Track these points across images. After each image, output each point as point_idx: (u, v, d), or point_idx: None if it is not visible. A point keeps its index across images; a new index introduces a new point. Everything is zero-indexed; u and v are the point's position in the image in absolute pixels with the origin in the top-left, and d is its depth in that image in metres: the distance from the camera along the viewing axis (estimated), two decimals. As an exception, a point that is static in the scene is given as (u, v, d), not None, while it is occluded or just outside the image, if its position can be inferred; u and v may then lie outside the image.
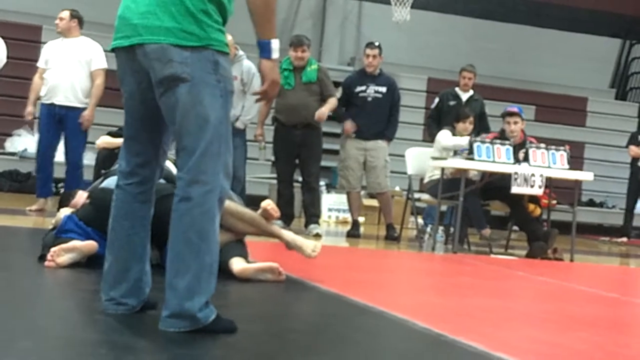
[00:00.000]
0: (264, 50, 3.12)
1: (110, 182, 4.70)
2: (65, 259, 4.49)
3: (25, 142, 11.92)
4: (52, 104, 8.32)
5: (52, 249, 4.49)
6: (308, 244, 4.91)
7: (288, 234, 4.97)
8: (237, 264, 4.58)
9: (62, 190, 9.20)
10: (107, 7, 11.00)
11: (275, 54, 3.13)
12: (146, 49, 3.02)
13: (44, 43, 12.30)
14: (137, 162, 3.21)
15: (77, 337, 2.98)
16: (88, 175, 9.50)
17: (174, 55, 2.97)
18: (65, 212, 5.03)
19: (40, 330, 3.05)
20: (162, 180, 4.56)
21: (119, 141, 6.20)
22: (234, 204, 4.74)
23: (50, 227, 5.08)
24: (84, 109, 8.35)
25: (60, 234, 4.72)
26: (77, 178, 8.43)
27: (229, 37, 8.53)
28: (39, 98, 8.51)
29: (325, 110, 8.62)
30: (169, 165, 4.89)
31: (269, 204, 4.88)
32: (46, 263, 4.47)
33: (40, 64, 8.52)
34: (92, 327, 3.20)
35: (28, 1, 12.71)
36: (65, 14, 8.46)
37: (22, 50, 10.89)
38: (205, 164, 2.98)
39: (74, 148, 8.39)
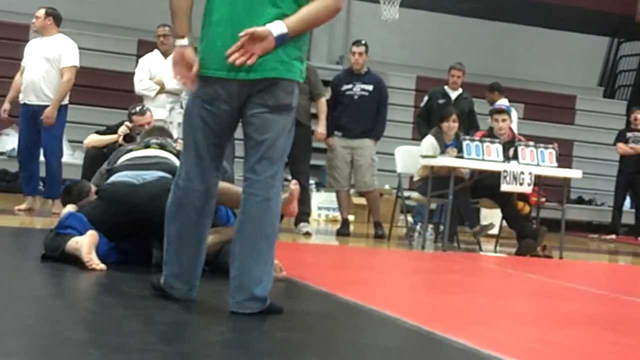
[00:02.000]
0: (282, 39, 3.46)
1: (117, 177, 4.70)
2: (99, 260, 4.46)
3: (13, 141, 11.83)
4: (25, 104, 8.33)
5: (85, 260, 4.43)
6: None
7: None
8: None
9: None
10: (88, 5, 11.04)
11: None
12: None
13: (32, 42, 12.30)
14: (214, 167, 3.68)
15: (67, 336, 2.97)
16: (72, 174, 9.48)
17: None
18: (70, 208, 5.01)
19: (30, 329, 3.04)
20: (166, 175, 4.58)
21: (107, 139, 6.20)
22: (227, 184, 4.74)
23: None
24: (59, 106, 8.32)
25: (59, 229, 4.70)
26: (53, 175, 8.34)
27: None
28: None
29: (323, 131, 8.69)
30: (173, 158, 4.90)
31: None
32: (92, 267, 4.43)
33: (22, 62, 8.53)
34: (81, 327, 3.19)
35: (16, 0, 12.66)
36: (41, 12, 8.43)
37: (8, 49, 10.85)
38: (281, 173, 3.61)
39: (48, 145, 8.32)
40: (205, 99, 3.54)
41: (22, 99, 8.38)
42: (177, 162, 4.75)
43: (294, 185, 4.73)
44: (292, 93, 3.55)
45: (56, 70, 8.33)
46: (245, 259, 3.50)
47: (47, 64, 8.31)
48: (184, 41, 3.54)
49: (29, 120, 8.36)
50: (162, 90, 8.55)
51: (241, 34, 3.41)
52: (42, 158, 8.56)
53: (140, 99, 8.60)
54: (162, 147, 4.98)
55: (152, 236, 4.60)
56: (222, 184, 4.61)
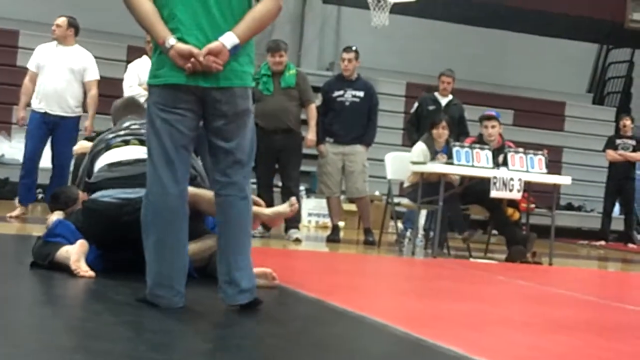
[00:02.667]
0: (235, 50, 3.64)
1: (101, 194, 4.65)
2: (87, 268, 4.43)
3: (2, 148, 11.83)
4: (45, 113, 8.26)
5: (73, 267, 4.41)
6: (284, 207, 4.85)
7: (267, 210, 4.89)
8: None
9: (42, 197, 9.15)
10: (77, 11, 10.96)
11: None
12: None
13: (22, 48, 12.28)
14: (184, 169, 3.79)
15: (54, 343, 2.95)
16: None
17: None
18: (58, 215, 4.97)
19: (17, 336, 3.03)
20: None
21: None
22: (202, 190, 4.71)
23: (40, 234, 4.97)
24: (75, 117, 8.34)
25: (49, 237, 4.66)
26: (62, 183, 8.37)
27: None
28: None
29: (313, 137, 8.70)
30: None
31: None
32: (81, 275, 4.40)
33: (30, 66, 8.41)
34: (69, 334, 3.17)
35: (5, 6, 12.62)
36: (63, 21, 8.38)
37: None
38: (249, 171, 3.85)
39: (63, 154, 8.30)
40: (167, 104, 3.67)
41: (41, 107, 8.28)
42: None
43: (293, 204, 4.73)
44: (247, 98, 3.76)
45: (78, 82, 8.35)
46: (231, 255, 3.73)
47: (71, 75, 8.31)
48: (172, 40, 3.60)
49: (43, 128, 8.29)
50: None
51: (196, 52, 3.58)
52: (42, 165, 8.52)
53: None
54: (142, 142, 4.87)
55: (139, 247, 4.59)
56: (199, 190, 4.61)
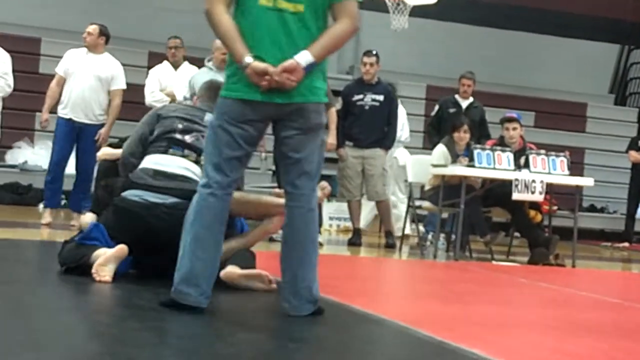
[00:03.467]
0: (310, 68, 3.75)
1: (131, 193, 4.68)
2: (107, 272, 4.44)
3: (25, 154, 11.92)
4: (70, 119, 8.32)
5: (94, 269, 4.44)
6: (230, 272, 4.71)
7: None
8: (226, 269, 4.58)
9: (64, 203, 9.20)
10: (98, 17, 11.05)
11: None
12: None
13: (44, 55, 12.37)
14: (234, 177, 3.87)
15: (81, 349, 2.98)
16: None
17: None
18: (91, 217, 4.99)
19: (44, 342, 3.05)
20: (180, 201, 4.55)
21: (120, 152, 6.16)
22: (239, 193, 4.73)
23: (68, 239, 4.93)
24: (99, 125, 8.39)
25: (84, 240, 4.68)
26: (87, 190, 8.45)
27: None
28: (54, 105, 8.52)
29: (333, 141, 8.69)
30: (192, 172, 4.83)
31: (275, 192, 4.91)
32: (97, 279, 4.42)
33: (59, 70, 8.43)
34: (95, 340, 3.20)
35: (27, 14, 12.73)
36: (95, 29, 8.41)
37: (21, 63, 10.90)
38: (316, 185, 3.99)
39: (87, 161, 8.36)
40: (236, 118, 3.78)
41: (66, 113, 8.32)
42: (195, 176, 4.75)
43: (324, 187, 4.79)
44: (320, 112, 3.87)
45: (105, 91, 8.39)
46: (297, 266, 3.85)
47: (99, 82, 8.35)
48: (249, 58, 3.69)
49: (69, 135, 8.34)
50: (172, 101, 8.58)
51: (272, 70, 3.67)
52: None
53: (147, 110, 8.63)
54: (182, 156, 4.87)
55: (165, 253, 4.62)
56: (244, 195, 4.66)
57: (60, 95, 8.40)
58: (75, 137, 8.35)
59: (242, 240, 4.79)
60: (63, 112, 8.36)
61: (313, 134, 3.84)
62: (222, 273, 4.54)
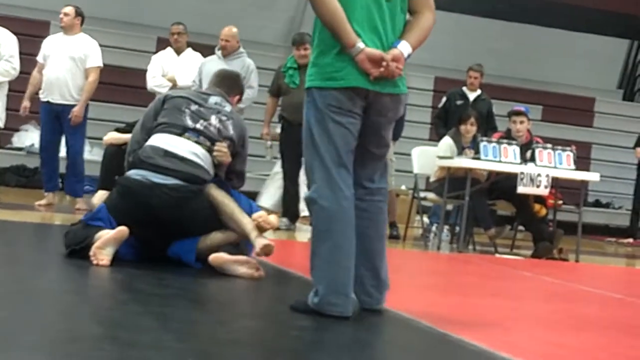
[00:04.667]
0: (408, 58, 3.69)
1: (135, 172, 4.69)
2: (105, 255, 4.44)
3: (32, 137, 11.93)
4: (48, 102, 8.36)
5: (91, 252, 4.45)
6: (259, 242, 4.69)
7: (260, 242, 4.69)
8: (215, 254, 4.59)
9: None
10: (109, 2, 11.08)
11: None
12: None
13: (52, 39, 12.33)
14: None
15: (82, 332, 2.98)
16: (90, 170, 9.53)
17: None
18: (100, 195, 5.02)
19: (46, 325, 3.06)
20: (184, 184, 4.57)
21: (126, 137, 6.17)
22: (227, 200, 4.74)
23: (75, 222, 4.94)
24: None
25: (90, 221, 4.68)
26: (77, 173, 8.50)
27: (234, 30, 8.54)
28: (37, 93, 8.54)
29: None
30: (202, 159, 4.83)
31: (260, 216, 4.72)
32: (95, 262, 4.42)
33: (39, 58, 8.53)
34: (97, 323, 3.21)
35: (36, -3, 12.74)
36: (71, 10, 8.47)
37: (30, 46, 10.90)
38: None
39: (73, 144, 8.45)
40: (344, 107, 3.58)
41: (44, 96, 8.40)
42: (204, 163, 4.75)
43: (255, 215, 4.72)
44: (405, 105, 3.86)
45: (81, 70, 8.40)
46: (380, 259, 3.82)
47: (73, 63, 8.37)
48: (361, 44, 3.55)
49: (51, 118, 8.40)
50: (174, 87, 8.58)
51: (387, 57, 3.56)
52: (62, 154, 8.62)
53: (152, 95, 8.64)
54: (197, 142, 4.84)
55: (166, 233, 4.64)
56: (225, 203, 4.68)
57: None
58: (57, 120, 8.37)
59: (230, 235, 4.77)
60: (42, 95, 8.41)
61: (392, 125, 3.78)
62: (211, 257, 4.56)
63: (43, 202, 8.44)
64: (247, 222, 4.66)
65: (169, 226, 4.62)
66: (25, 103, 8.58)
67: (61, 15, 8.48)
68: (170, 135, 4.83)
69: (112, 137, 7.43)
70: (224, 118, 4.98)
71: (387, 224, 3.93)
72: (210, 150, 4.84)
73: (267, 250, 4.65)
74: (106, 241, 4.46)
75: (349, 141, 3.61)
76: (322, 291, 3.56)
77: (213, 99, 5.03)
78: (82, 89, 8.40)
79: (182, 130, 4.85)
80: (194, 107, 4.94)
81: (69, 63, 8.35)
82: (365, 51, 3.53)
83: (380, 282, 3.82)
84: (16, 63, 8.19)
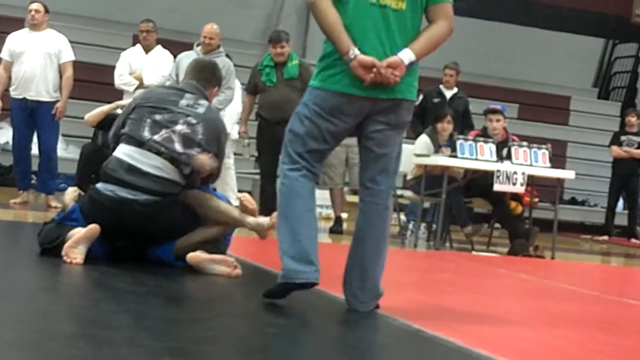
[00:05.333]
0: (411, 66, 3.76)
1: (104, 187, 4.64)
2: (78, 254, 4.42)
3: (7, 135, 11.82)
4: (23, 99, 8.29)
5: (63, 251, 4.42)
6: (266, 220, 4.81)
7: (250, 219, 4.83)
8: (192, 253, 4.59)
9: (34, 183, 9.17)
10: (95, 1, 11.02)
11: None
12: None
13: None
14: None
15: (57, 330, 2.96)
16: (66, 168, 9.47)
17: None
18: (72, 192, 4.94)
19: (21, 323, 3.04)
20: (153, 198, 4.52)
21: (107, 108, 6.07)
22: (208, 195, 4.73)
23: (48, 220, 4.90)
24: (54, 101, 8.36)
25: (64, 221, 4.65)
26: (51, 170, 8.47)
27: (216, 27, 8.49)
28: (6, 90, 8.47)
29: None
30: (165, 172, 4.75)
31: (244, 196, 4.87)
32: (68, 261, 4.40)
33: (4, 56, 8.43)
34: (72, 321, 3.19)
35: (12, -7, 12.63)
36: (40, 7, 8.41)
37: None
38: (394, 184, 4.05)
39: (47, 140, 8.40)
40: (327, 109, 3.74)
41: (18, 93, 8.32)
42: (169, 175, 4.67)
43: (273, 218, 4.70)
44: (410, 110, 3.90)
45: (55, 65, 8.36)
46: (370, 262, 3.86)
47: (48, 58, 8.32)
48: (356, 50, 3.66)
49: (25, 115, 8.33)
50: (140, 85, 8.52)
51: (378, 64, 3.64)
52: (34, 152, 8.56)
53: (121, 93, 8.61)
54: (158, 152, 4.72)
55: (137, 239, 4.63)
56: (208, 198, 4.67)
57: (10, 80, 8.37)
58: (30, 117, 8.31)
59: (212, 230, 4.77)
60: (15, 93, 8.35)
61: (399, 131, 3.86)
62: (188, 256, 4.55)
63: (18, 200, 8.38)
64: (233, 209, 4.75)
65: (143, 236, 4.63)
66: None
67: (32, 13, 8.40)
68: (132, 147, 4.73)
69: (90, 114, 7.25)
70: (193, 122, 4.79)
71: (387, 227, 3.93)
72: (172, 160, 4.70)
73: (261, 228, 4.75)
74: (78, 240, 4.43)
75: (320, 142, 3.77)
76: (286, 263, 3.73)
77: (185, 101, 4.87)
78: (56, 85, 8.35)
79: (140, 143, 4.73)
80: (158, 117, 4.78)
81: (43, 59, 8.30)
82: (358, 58, 3.64)
83: (366, 284, 3.84)
84: None
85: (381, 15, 3.73)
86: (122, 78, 8.67)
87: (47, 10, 8.47)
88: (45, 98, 8.31)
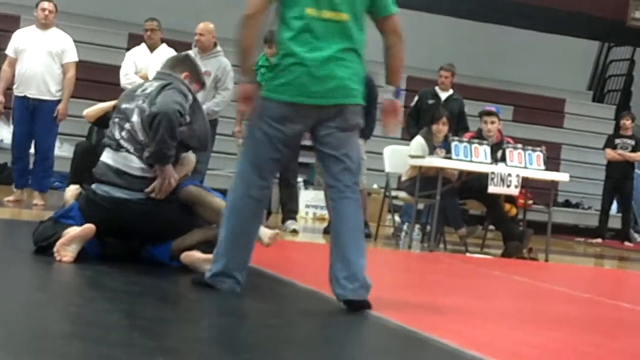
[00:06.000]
0: (398, 93, 4.25)
1: (99, 187, 4.64)
2: (69, 252, 4.41)
3: (1, 133, 11.81)
4: (25, 97, 8.27)
5: (55, 248, 4.42)
6: (265, 232, 4.81)
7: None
8: (187, 252, 4.58)
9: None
10: (89, 1, 11.00)
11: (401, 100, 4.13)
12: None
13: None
14: (270, 179, 4.12)
15: (50, 330, 2.96)
16: (60, 166, 9.44)
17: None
18: (72, 190, 4.94)
19: (13, 323, 3.03)
20: (142, 196, 4.52)
21: (106, 105, 6.09)
22: (204, 192, 4.72)
23: (45, 218, 4.90)
24: (56, 100, 8.34)
25: (62, 218, 4.65)
26: (47, 169, 8.46)
27: (210, 25, 8.46)
28: (9, 88, 8.45)
29: None
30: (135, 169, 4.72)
31: None
32: (58, 259, 4.40)
33: (9, 52, 8.41)
34: (64, 320, 3.18)
35: (6, -9, 12.61)
36: (52, 6, 8.39)
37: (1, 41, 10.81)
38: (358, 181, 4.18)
39: (45, 139, 8.39)
40: (274, 118, 3.94)
41: (20, 91, 8.28)
42: (152, 174, 4.64)
43: (272, 237, 4.76)
44: (358, 113, 4.05)
45: (57, 65, 8.34)
46: (350, 252, 3.96)
47: (50, 57, 8.30)
48: (251, 81, 4.02)
49: (26, 113, 8.30)
50: None
51: (254, 97, 3.96)
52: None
53: (116, 91, 8.59)
54: (133, 153, 4.68)
55: (132, 238, 4.63)
56: (207, 196, 4.65)
57: (13, 77, 8.35)
58: (31, 115, 8.29)
59: (209, 232, 4.76)
60: (18, 91, 8.32)
61: (350, 133, 4.00)
62: (183, 256, 4.55)
63: (11, 198, 8.36)
64: None
65: (139, 235, 4.63)
66: (0, 98, 8.46)
67: (45, 12, 8.37)
68: (112, 151, 4.73)
69: (90, 110, 7.24)
70: (141, 103, 4.70)
71: (361, 219, 4.04)
72: (141, 151, 4.67)
73: (273, 240, 4.79)
74: (71, 238, 4.43)
75: (270, 151, 3.97)
76: (215, 268, 3.98)
77: (141, 88, 4.83)
78: (58, 84, 8.35)
79: (116, 145, 4.72)
80: (120, 115, 4.77)
81: (46, 58, 8.29)
82: (245, 87, 3.97)
83: (351, 274, 3.92)
84: None
85: (323, 28, 3.94)
86: (127, 77, 8.66)
87: (57, 10, 8.46)
88: (46, 97, 8.29)
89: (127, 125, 4.72)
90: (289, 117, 3.93)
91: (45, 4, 8.39)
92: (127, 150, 4.69)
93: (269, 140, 3.94)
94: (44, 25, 8.37)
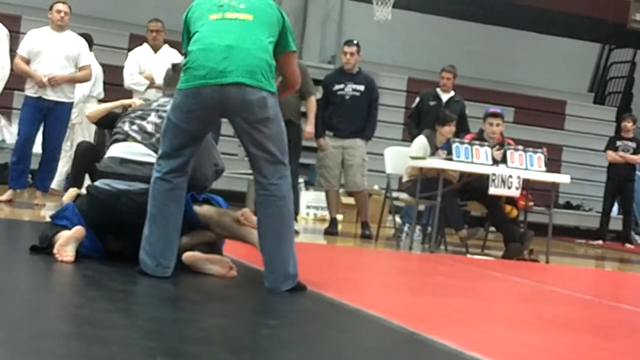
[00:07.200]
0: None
1: (101, 182, 4.67)
2: (69, 253, 4.43)
3: (2, 133, 11.82)
4: (40, 97, 8.25)
5: (55, 249, 4.44)
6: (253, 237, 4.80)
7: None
8: (188, 252, 4.58)
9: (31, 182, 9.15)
10: (90, 1, 10.92)
11: None
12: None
13: (23, 33, 12.25)
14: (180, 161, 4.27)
15: (50, 329, 2.95)
16: (61, 166, 9.44)
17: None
18: (70, 193, 5.00)
19: (13, 322, 3.03)
20: (145, 186, 4.54)
21: (109, 105, 6.12)
22: (214, 209, 4.73)
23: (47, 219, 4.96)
24: (68, 103, 8.37)
25: (56, 220, 4.69)
26: (52, 169, 8.49)
27: None
28: (9, 88, 8.44)
29: (311, 130, 8.63)
30: (151, 157, 4.78)
31: (243, 214, 4.73)
32: (60, 259, 4.42)
33: (21, 52, 8.33)
34: (65, 320, 3.18)
35: (8, -9, 12.62)
36: (67, 8, 8.39)
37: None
38: (285, 169, 4.30)
39: (55, 140, 8.38)
40: (183, 108, 4.16)
41: (35, 92, 8.26)
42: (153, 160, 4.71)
43: (239, 213, 4.74)
44: (263, 107, 4.15)
45: (73, 68, 8.36)
46: (272, 247, 4.19)
47: (66, 61, 8.32)
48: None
49: (39, 114, 8.27)
50: (152, 85, 8.53)
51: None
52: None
53: (130, 93, 8.58)
54: (140, 141, 4.83)
55: (133, 236, 4.63)
56: (221, 217, 4.68)
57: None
58: (42, 116, 8.28)
59: (210, 235, 4.76)
60: (31, 91, 8.28)
61: (261, 127, 4.13)
62: (184, 256, 4.54)
63: (4, 197, 8.31)
64: (243, 229, 4.71)
65: (136, 228, 4.61)
66: (36, 74, 8.24)
67: (62, 14, 8.34)
68: (119, 144, 4.88)
69: (93, 110, 7.24)
70: (164, 114, 4.78)
71: (287, 216, 4.19)
72: (153, 145, 4.79)
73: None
74: (67, 239, 4.46)
75: (178, 136, 4.19)
76: (141, 255, 4.23)
77: (155, 104, 5.10)
78: (73, 86, 8.44)
79: (125, 136, 4.91)
80: (133, 115, 5.04)
81: (63, 61, 8.29)
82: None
83: (273, 267, 4.19)
84: (3, 60, 8.12)
85: (225, 25, 4.19)
86: (132, 78, 8.67)
87: (71, 11, 8.45)
88: (61, 99, 8.30)
89: (138, 121, 4.94)
90: (193, 102, 4.15)
91: (61, 6, 8.37)
92: (134, 139, 4.85)
93: (176, 126, 4.20)
94: (60, 27, 8.36)
